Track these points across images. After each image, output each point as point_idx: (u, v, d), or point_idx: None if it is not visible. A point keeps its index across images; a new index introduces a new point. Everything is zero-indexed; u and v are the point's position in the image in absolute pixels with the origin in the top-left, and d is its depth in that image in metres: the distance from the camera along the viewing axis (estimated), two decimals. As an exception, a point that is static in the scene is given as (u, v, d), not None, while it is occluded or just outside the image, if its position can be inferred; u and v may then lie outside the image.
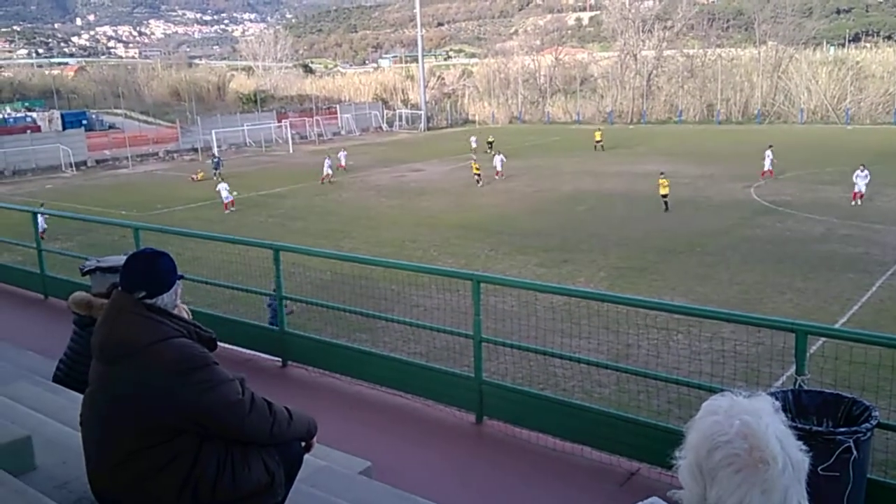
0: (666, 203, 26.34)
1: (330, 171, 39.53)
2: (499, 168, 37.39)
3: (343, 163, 44.19)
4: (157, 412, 2.44)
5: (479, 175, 35.50)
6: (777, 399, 3.56)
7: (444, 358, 9.26)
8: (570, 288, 14.15)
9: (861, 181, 27.27)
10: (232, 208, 31.56)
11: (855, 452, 3.18)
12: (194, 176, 43.02)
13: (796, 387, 3.71)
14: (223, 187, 32.19)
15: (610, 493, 4.10)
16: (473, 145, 49.73)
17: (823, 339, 13.72)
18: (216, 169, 43.55)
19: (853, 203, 26.38)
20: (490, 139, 50.84)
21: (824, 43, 73.90)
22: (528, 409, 4.90)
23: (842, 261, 20.43)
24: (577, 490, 4.26)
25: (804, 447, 1.49)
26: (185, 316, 3.84)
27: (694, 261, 21.32)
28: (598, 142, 47.69)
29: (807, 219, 25.73)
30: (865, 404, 3.48)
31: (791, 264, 20.22)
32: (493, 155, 39.63)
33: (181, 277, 2.81)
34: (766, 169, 33.50)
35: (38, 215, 22.49)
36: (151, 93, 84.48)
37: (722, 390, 1.61)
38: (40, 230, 22.71)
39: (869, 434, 3.31)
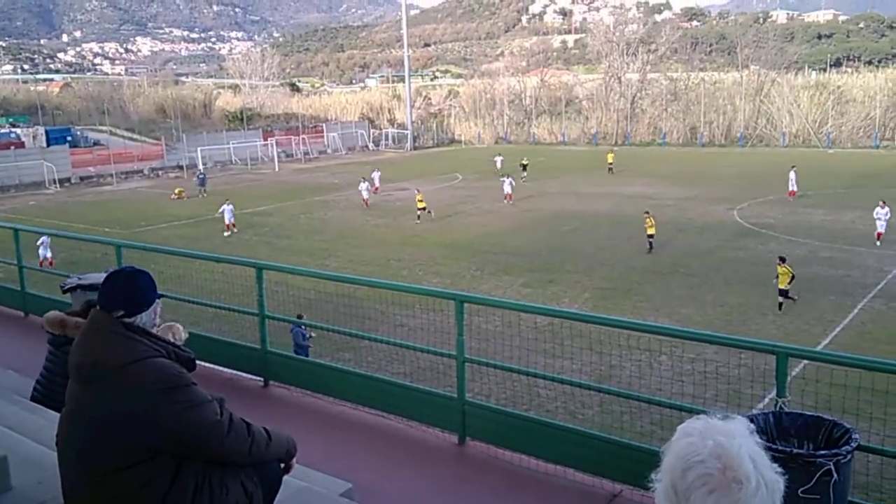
0: (651, 244, 25.06)
1: (366, 195, 36.78)
2: (508, 191, 35.91)
3: (377, 184, 41.96)
4: (134, 433, 2.41)
5: (423, 209, 31.88)
6: (758, 421, 3.58)
7: (428, 378, 9.22)
8: (554, 308, 14.17)
9: (882, 220, 25.64)
10: (234, 230, 30.54)
11: (836, 475, 3.18)
12: (174, 195, 42.56)
13: (777, 409, 3.72)
14: (228, 209, 30.75)
15: (592, 515, 4.08)
16: (498, 165, 47.31)
17: (805, 361, 13.89)
18: (201, 185, 43.45)
19: (877, 243, 24.81)
20: (524, 161, 46.52)
21: (806, 67, 75.20)
22: (510, 429, 4.88)
23: (823, 283, 20.62)
24: (558, 510, 4.25)
25: (779, 469, 1.48)
26: (182, 335, 3.82)
27: (677, 282, 21.45)
28: (610, 164, 46.53)
29: (789, 241, 25.97)
30: (846, 427, 3.49)
31: (773, 286, 20.38)
32: (502, 177, 37.75)
33: (160, 296, 2.79)
34: (790, 189, 34.39)
35: (42, 246, 22.32)
36: (137, 110, 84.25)
37: (705, 412, 1.62)
38: (43, 259, 22.36)
39: (849, 457, 3.32)
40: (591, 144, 67.11)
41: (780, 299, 18.51)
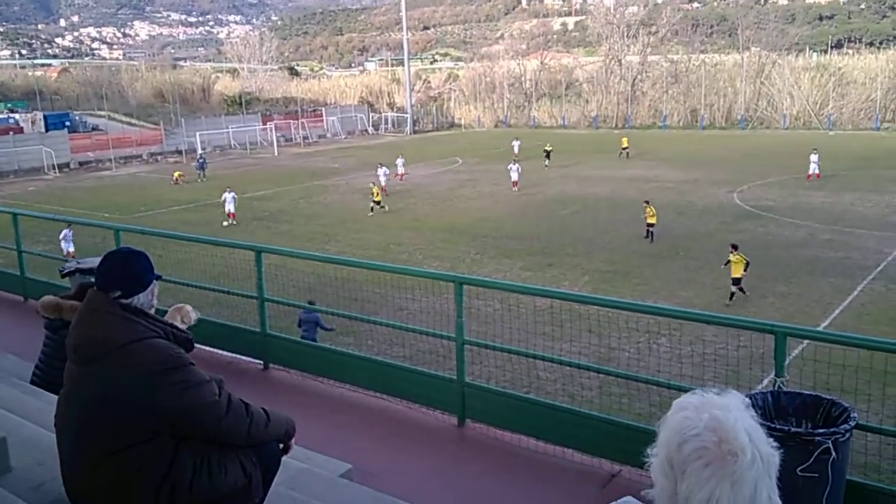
0: (651, 234, 24.13)
1: (384, 182, 34.44)
2: (515, 178, 34.49)
3: (401, 170, 39.44)
4: (132, 413, 2.41)
5: (377, 202, 30.82)
6: (756, 401, 3.59)
7: (429, 361, 9.25)
8: (553, 290, 14.06)
9: (814, 164, 25.62)
10: (233, 221, 29.37)
11: (834, 453, 3.19)
12: (173, 179, 42.33)
13: (776, 388, 3.72)
14: (230, 197, 29.70)
15: (592, 496, 4.10)
16: (516, 150, 45.05)
17: (805, 341, 13.93)
18: (201, 170, 43.40)
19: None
20: (548, 147, 43.54)
21: (807, 49, 74.76)
22: (510, 411, 4.89)
23: (823, 265, 20.62)
24: (558, 492, 4.26)
25: (775, 444, 1.50)
26: (192, 316, 3.82)
27: (677, 265, 21.45)
28: (624, 148, 45.01)
29: (789, 223, 25.94)
30: (844, 406, 3.50)
31: (773, 269, 20.37)
32: (511, 164, 35.95)
33: (158, 278, 2.78)
34: (811, 172, 33.58)
35: (64, 240, 21.93)
36: (135, 94, 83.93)
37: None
38: (66, 252, 21.74)
39: (848, 435, 3.33)
40: (591, 128, 66.85)
41: (733, 289, 18.01)
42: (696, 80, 64.78)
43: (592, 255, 22.69)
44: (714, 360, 14.50)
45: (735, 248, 18.60)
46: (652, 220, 24.35)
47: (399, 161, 40.00)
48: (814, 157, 33.69)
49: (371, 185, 32.58)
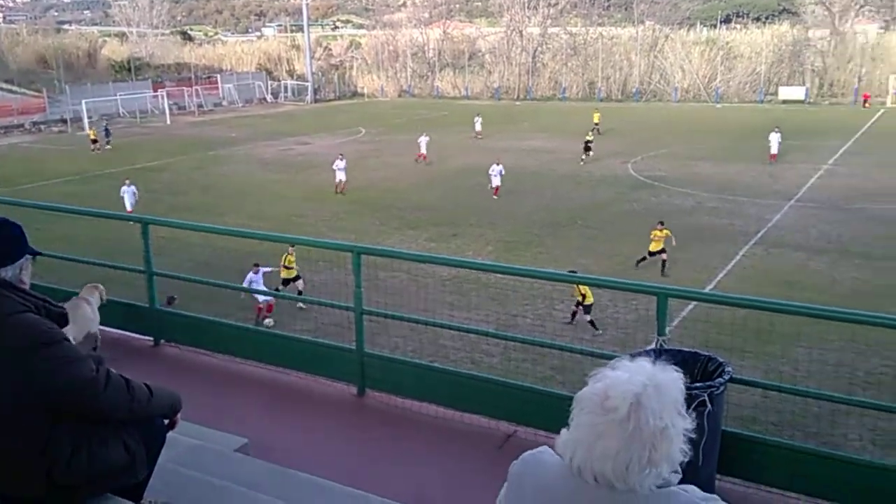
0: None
1: (342, 177, 28.57)
2: (423, 151, 33.92)
3: (424, 150, 34.63)
4: (5, 390, 2.28)
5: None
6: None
7: (333, 333, 9.18)
8: (451, 258, 14.18)
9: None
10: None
11: (710, 405, 3.41)
12: (91, 146, 40.10)
13: (658, 346, 3.92)
14: (129, 191, 25.32)
15: (488, 455, 4.21)
16: (478, 128, 42.48)
17: (692, 303, 14.68)
18: (106, 137, 41.72)
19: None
20: (591, 136, 36.15)
21: (697, 23, 77.67)
22: (409, 379, 4.93)
23: (710, 232, 21.74)
24: (457, 453, 4.35)
25: (685, 423, 1.61)
26: (104, 296, 3.65)
27: (576, 234, 22.11)
28: (596, 124, 41.32)
29: (679, 193, 27.15)
30: (719, 361, 3.73)
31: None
32: (420, 137, 34.82)
33: (35, 254, 2.62)
34: (773, 153, 32.43)
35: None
36: (16, 60, 77.88)
37: (601, 355, 1.72)
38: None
39: (722, 388, 3.56)
40: (493, 99, 67.44)
41: (647, 257, 18.56)
42: (594, 52, 66.30)
43: (495, 225, 23.06)
44: (612, 323, 15.14)
45: (662, 224, 18.91)
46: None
47: (423, 139, 34.80)
48: (775, 137, 32.52)
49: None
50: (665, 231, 18.59)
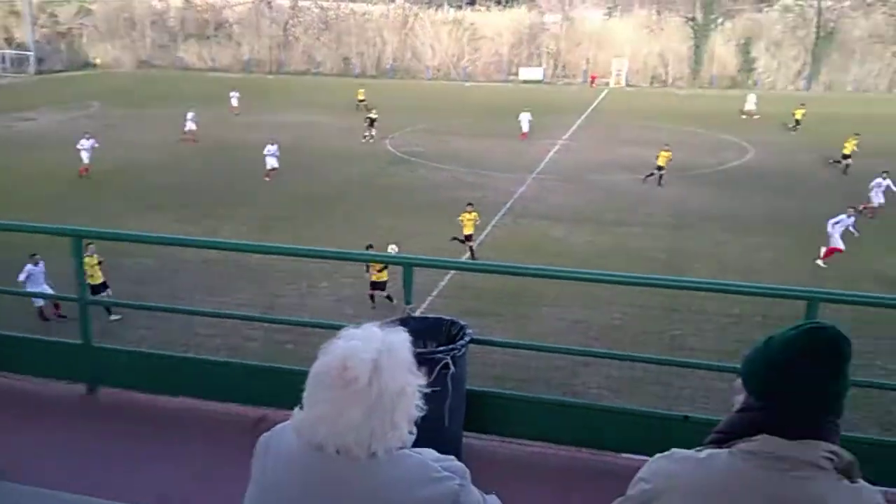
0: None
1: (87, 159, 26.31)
2: (192, 127, 32.06)
3: (192, 127, 33.01)
4: None
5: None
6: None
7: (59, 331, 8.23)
8: (192, 239, 13.10)
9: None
10: None
11: (452, 367, 3.53)
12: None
13: (405, 315, 3.98)
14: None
15: (238, 443, 3.99)
16: (234, 103, 40.67)
17: (452, 272, 15.33)
18: None
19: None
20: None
21: (445, 4, 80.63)
22: (147, 372, 4.54)
23: (464, 204, 22.79)
24: (205, 446, 4.09)
25: (417, 381, 1.63)
26: None
27: (337, 210, 22.06)
28: (360, 100, 41.58)
29: (436, 168, 28.19)
30: (461, 324, 3.88)
31: (422, 210, 22.03)
32: (188, 112, 32.90)
33: None
34: (524, 131, 34.17)
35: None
36: None
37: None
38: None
39: (464, 349, 3.71)
40: (244, 72, 64.84)
41: (471, 245, 18.27)
42: (347, 28, 66.25)
43: (252, 203, 22.29)
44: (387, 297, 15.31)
45: (471, 205, 18.62)
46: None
47: (524, 116, 34.38)
48: (525, 116, 34.20)
49: None
50: (474, 213, 18.40)
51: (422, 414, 1.63)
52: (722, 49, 59.62)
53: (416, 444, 1.65)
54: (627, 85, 60.29)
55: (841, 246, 17.61)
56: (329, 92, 51.24)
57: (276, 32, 67.43)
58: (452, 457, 1.69)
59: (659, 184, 25.30)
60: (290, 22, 67.96)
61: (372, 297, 15.19)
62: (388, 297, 14.76)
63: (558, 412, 4.16)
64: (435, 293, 14.89)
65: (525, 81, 61.32)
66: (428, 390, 1.66)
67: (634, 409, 4.43)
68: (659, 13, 62.84)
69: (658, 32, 61.51)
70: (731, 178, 26.63)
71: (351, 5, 68.10)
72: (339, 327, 1.75)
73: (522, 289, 14.04)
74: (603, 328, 13.98)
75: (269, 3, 68.30)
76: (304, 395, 1.59)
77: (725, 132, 36.03)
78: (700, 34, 59.62)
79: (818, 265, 17.43)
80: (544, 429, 4.04)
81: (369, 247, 14.57)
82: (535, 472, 3.92)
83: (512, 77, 63.15)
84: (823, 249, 17.71)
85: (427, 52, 64.67)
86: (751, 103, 41.74)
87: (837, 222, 17.87)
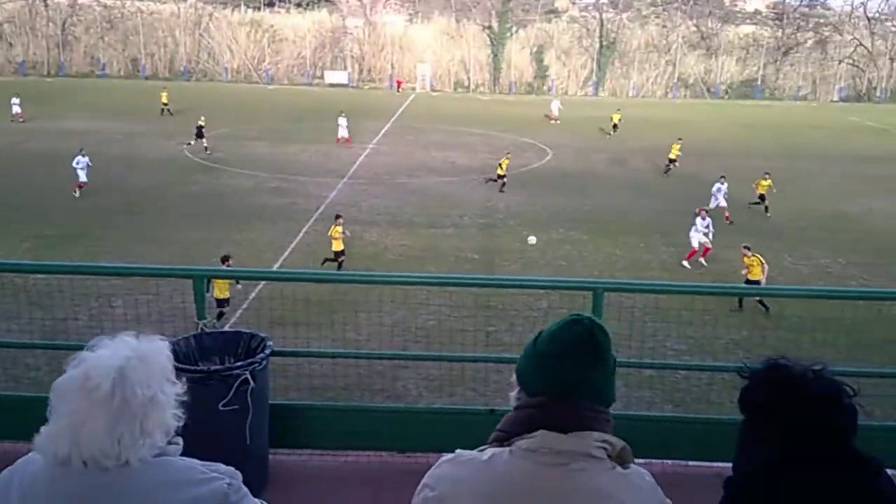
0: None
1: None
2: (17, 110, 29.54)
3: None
4: None
5: None
6: (179, 346, 3.48)
7: None
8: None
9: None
10: None
11: (252, 383, 3.31)
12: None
13: (199, 331, 3.70)
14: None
15: None
16: (16, 109, 36.57)
17: (262, 283, 14.77)
18: None
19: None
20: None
21: (242, 4, 78.05)
22: None
23: (272, 212, 22.15)
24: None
25: (174, 390, 1.62)
26: None
27: (133, 222, 20.55)
28: (164, 104, 40.27)
29: (239, 174, 27.11)
30: (261, 336, 3.67)
31: (228, 219, 21.07)
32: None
33: None
34: (340, 135, 33.53)
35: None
36: None
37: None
38: None
39: (264, 363, 3.50)
40: (18, 74, 58.64)
41: (341, 260, 17.31)
42: (134, 27, 62.04)
43: (33, 220, 20.08)
44: (181, 311, 14.34)
45: (338, 216, 17.64)
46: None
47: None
48: (343, 121, 33.81)
49: None
50: (339, 227, 17.46)
51: (180, 423, 1.62)
52: (518, 57, 62.98)
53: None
54: (432, 90, 61.90)
55: (696, 246, 18.41)
56: (117, 95, 47.64)
57: (54, 32, 61.61)
58: (221, 464, 1.68)
59: (501, 190, 25.49)
60: (70, 20, 62.41)
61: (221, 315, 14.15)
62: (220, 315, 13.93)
63: (367, 419, 4.08)
64: (245, 305, 14.28)
65: (331, 85, 60.96)
66: (183, 399, 1.65)
67: (440, 408, 4.47)
68: (458, 21, 65.08)
69: (458, 39, 63.75)
70: (534, 179, 28.09)
71: (138, 3, 63.94)
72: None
73: (339, 295, 13.84)
74: (420, 329, 14.13)
75: (44, 1, 62.24)
76: (48, 410, 1.54)
77: (526, 136, 38.01)
78: (497, 42, 62.53)
79: (684, 265, 18.23)
80: (355, 437, 3.95)
81: (225, 259, 13.92)
82: (346, 481, 3.81)
83: (317, 80, 62.50)
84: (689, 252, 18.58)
85: (225, 53, 62.21)
86: (555, 109, 44.32)
87: (694, 228, 18.64)
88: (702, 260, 18.47)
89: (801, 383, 1.62)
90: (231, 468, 1.67)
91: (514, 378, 1.67)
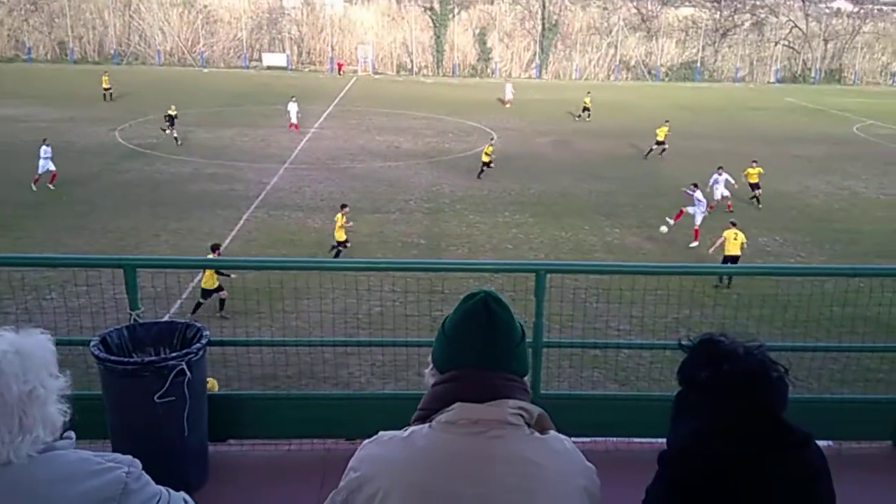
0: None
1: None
2: None
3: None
4: None
5: None
6: (112, 338, 3.33)
7: None
8: None
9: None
10: None
11: (189, 374, 3.20)
12: None
13: (132, 322, 3.56)
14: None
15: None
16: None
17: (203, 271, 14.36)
18: None
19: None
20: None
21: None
22: None
23: (211, 199, 21.61)
24: None
25: (55, 371, 1.59)
26: None
27: (63, 212, 19.87)
28: (106, 89, 39.16)
29: (175, 160, 26.36)
30: (197, 326, 3.55)
31: (164, 207, 20.52)
32: None
33: None
34: (293, 122, 32.60)
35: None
36: None
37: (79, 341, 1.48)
38: None
39: (201, 354, 3.38)
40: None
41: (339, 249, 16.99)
42: (60, 9, 59.49)
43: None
44: (113, 304, 13.90)
45: (344, 209, 17.22)
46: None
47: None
48: (294, 106, 32.99)
49: None
50: (343, 215, 17.04)
51: (66, 418, 1.58)
52: (461, 39, 62.74)
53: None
54: (374, 73, 61.19)
55: (698, 223, 18.84)
56: (44, 80, 45.75)
57: (-27, 14, 58.69)
58: (119, 454, 1.64)
59: (478, 176, 25.27)
60: (-9, 2, 59.53)
61: (199, 305, 13.75)
62: (198, 305, 13.57)
63: (312, 407, 4.00)
64: (185, 295, 13.93)
65: (269, 67, 59.70)
66: (66, 393, 1.61)
67: (386, 393, 4.41)
68: (399, 2, 64.43)
69: (399, 21, 63.10)
70: (479, 163, 28.11)
71: (60, -15, 61.29)
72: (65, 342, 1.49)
73: (283, 283, 13.59)
74: (366, 316, 14.01)
75: (-39, -21, 59.17)
76: None
77: (471, 119, 37.96)
78: (439, 24, 62.14)
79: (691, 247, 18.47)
80: (300, 425, 3.87)
81: (215, 248, 14.01)
82: (290, 470, 3.73)
83: (255, 63, 61.08)
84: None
85: (157, 35, 60.24)
86: (509, 93, 44.05)
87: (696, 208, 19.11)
88: (670, 220, 18.92)
89: (729, 358, 1.70)
90: (129, 456, 1.63)
91: (429, 359, 1.71)
